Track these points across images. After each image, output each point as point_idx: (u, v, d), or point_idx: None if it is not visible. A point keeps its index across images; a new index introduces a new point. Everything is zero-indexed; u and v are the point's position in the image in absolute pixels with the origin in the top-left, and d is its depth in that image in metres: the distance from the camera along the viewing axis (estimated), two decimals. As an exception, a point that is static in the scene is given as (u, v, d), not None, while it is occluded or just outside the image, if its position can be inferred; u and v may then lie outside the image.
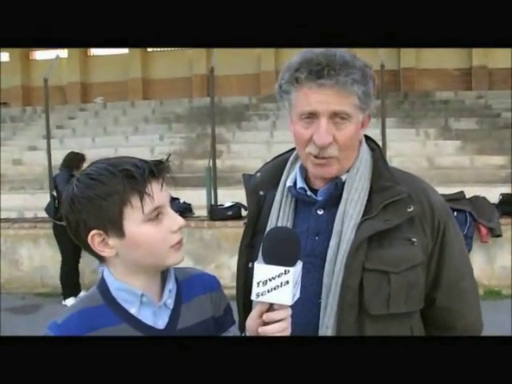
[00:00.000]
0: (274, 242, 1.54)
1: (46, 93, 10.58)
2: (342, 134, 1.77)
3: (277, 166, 2.04)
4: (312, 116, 1.77)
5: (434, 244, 1.85)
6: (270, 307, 1.53)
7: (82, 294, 8.07)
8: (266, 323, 1.53)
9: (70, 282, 8.51)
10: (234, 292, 1.95)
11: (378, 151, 1.96)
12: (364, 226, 1.78)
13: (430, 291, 1.89)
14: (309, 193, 1.91)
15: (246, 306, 1.93)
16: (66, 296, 8.44)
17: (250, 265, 1.93)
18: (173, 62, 19.24)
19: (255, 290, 1.51)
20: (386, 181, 1.85)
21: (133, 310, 1.58)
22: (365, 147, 1.95)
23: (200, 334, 1.66)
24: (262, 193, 2.02)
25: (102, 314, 1.57)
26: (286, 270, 1.49)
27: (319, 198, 1.89)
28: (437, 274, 1.88)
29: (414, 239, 1.81)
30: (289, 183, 1.94)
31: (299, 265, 1.53)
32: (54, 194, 8.64)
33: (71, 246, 7.88)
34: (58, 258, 8.66)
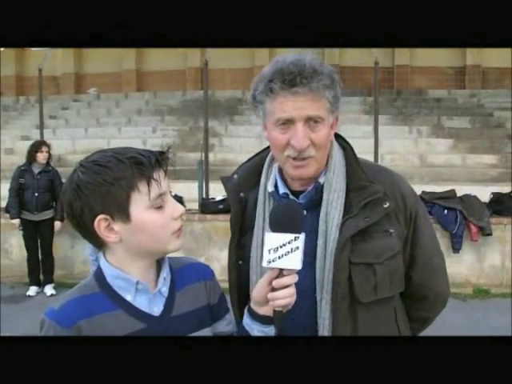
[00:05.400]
0: (282, 213, 1.66)
1: (40, 83, 10.58)
2: (318, 136, 1.88)
3: (254, 167, 2.14)
4: (288, 122, 1.86)
5: (407, 231, 2.02)
6: (280, 273, 1.62)
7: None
8: (274, 290, 1.63)
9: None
10: (224, 285, 1.98)
11: (349, 149, 2.06)
12: (347, 225, 1.91)
13: (406, 270, 2.06)
14: (291, 197, 2.00)
15: (240, 300, 2.06)
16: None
17: (240, 262, 2.07)
18: (167, 55, 19.09)
19: (266, 256, 1.61)
20: (361, 180, 1.97)
21: (128, 297, 1.62)
22: (336, 146, 2.04)
23: (195, 321, 1.71)
24: (242, 194, 2.11)
25: (98, 300, 1.60)
26: (295, 237, 1.60)
27: (301, 201, 1.99)
28: (412, 256, 2.06)
29: (392, 230, 1.97)
30: (270, 188, 2.03)
31: (303, 234, 1.63)
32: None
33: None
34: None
